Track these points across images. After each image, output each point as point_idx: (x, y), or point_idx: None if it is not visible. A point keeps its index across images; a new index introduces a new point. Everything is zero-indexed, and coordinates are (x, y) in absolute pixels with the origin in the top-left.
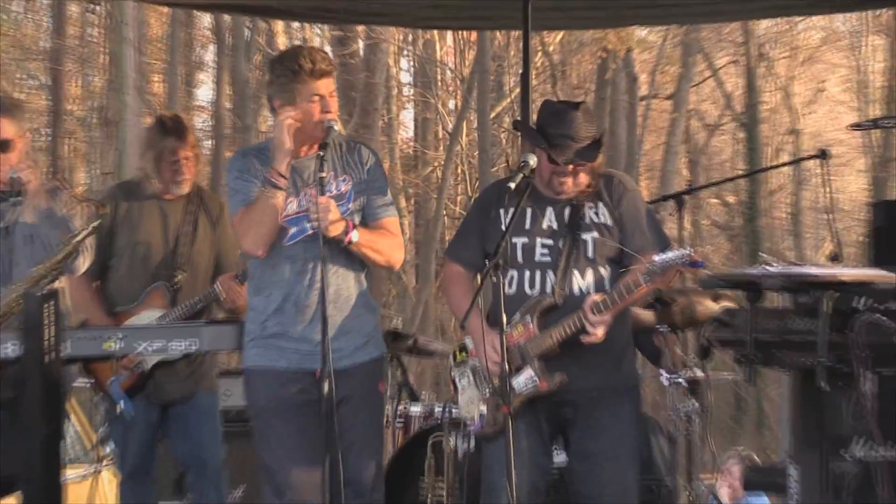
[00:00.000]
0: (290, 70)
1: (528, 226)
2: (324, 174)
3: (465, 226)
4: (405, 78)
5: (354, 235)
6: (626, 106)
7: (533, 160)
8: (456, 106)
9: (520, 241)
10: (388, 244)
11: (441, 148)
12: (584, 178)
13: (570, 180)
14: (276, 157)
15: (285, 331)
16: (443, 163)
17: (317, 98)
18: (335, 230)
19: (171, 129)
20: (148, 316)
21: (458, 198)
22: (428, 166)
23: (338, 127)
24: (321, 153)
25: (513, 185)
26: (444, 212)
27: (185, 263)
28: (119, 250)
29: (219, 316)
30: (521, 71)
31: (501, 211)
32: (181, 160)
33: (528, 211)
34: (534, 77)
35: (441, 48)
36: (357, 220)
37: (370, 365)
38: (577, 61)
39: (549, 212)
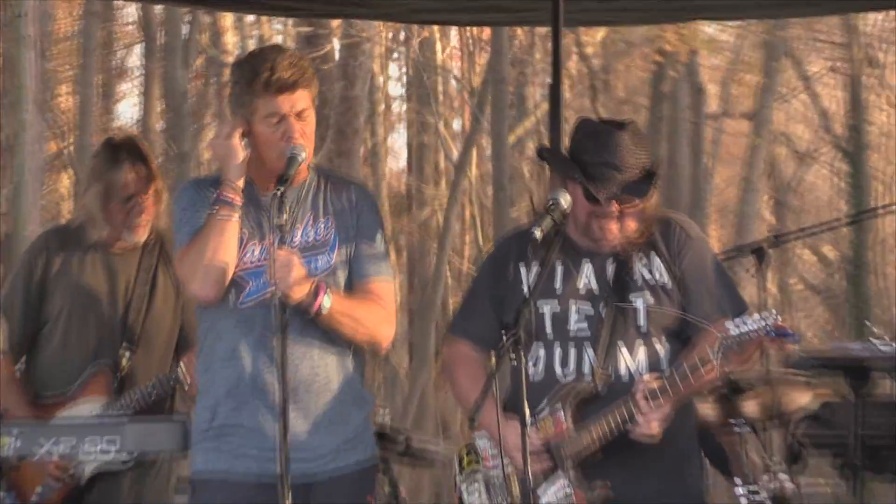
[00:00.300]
0: (243, 80)
1: (559, 286)
2: (282, 219)
3: (474, 289)
4: (395, 90)
5: (325, 302)
6: (690, 127)
7: (566, 199)
8: (463, 127)
9: (548, 306)
10: (374, 315)
11: (443, 183)
12: (632, 223)
13: (613, 225)
14: (227, 169)
15: (240, 422)
16: (445, 204)
17: (276, 118)
18: (298, 293)
19: (123, 154)
20: (88, 407)
21: (466, 250)
22: (425, 208)
23: (305, 155)
24: (279, 190)
25: (539, 233)
26: (447, 269)
27: (137, 337)
28: (51, 318)
29: (185, 409)
30: (549, 80)
31: (523, 267)
32: (137, 197)
33: (560, 267)
34: (567, 89)
35: (443, 50)
36: (342, 278)
37: (356, 473)
38: (625, 67)
39: (587, 268)
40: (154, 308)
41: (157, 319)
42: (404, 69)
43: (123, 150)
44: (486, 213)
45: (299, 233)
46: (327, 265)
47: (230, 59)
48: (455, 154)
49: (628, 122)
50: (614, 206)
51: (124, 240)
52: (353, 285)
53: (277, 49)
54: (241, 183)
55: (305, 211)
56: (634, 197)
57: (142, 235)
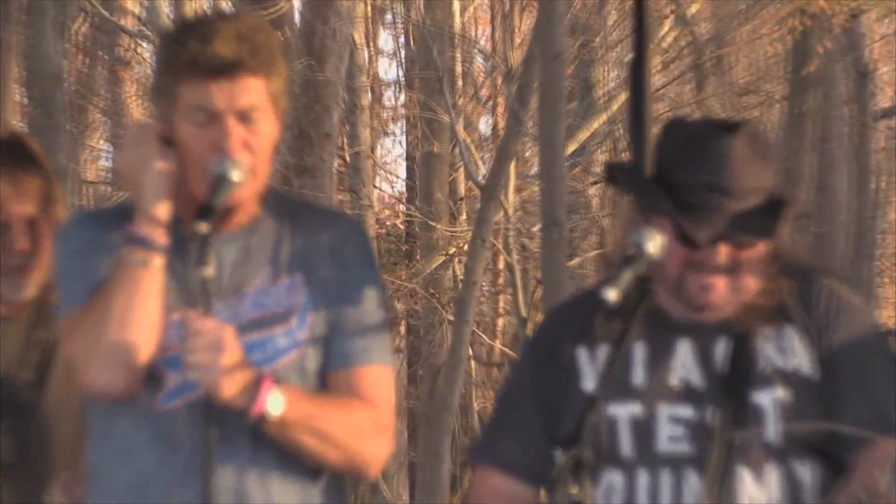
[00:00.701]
0: (165, 56)
1: (640, 379)
2: (207, 270)
3: (510, 391)
4: (388, 71)
5: (272, 404)
6: (851, 129)
7: (656, 242)
8: (495, 130)
9: (625, 411)
10: (355, 423)
11: (463, 217)
12: (750, 278)
13: (721, 281)
14: (141, 191)
15: None
16: (465, 247)
17: (202, 115)
18: (228, 389)
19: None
20: None
21: (500, 323)
22: (434, 255)
23: (240, 176)
24: (201, 227)
25: (615, 295)
26: (469, 352)
27: (18, 447)
28: None
29: None
30: (630, 57)
31: (583, 351)
32: (16, 226)
33: (642, 349)
34: (657, 70)
35: (463, 10)
36: (312, 364)
37: None
38: (749, 38)
39: (685, 350)
40: (47, 403)
41: (54, 419)
42: (402, 39)
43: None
44: (530, 263)
45: (248, 300)
46: (291, 346)
47: (131, 24)
48: (482, 171)
49: (744, 124)
50: (722, 252)
51: (3, 300)
52: (330, 377)
53: (225, 16)
54: (162, 212)
55: (258, 266)
56: (753, 237)
57: (29, 287)
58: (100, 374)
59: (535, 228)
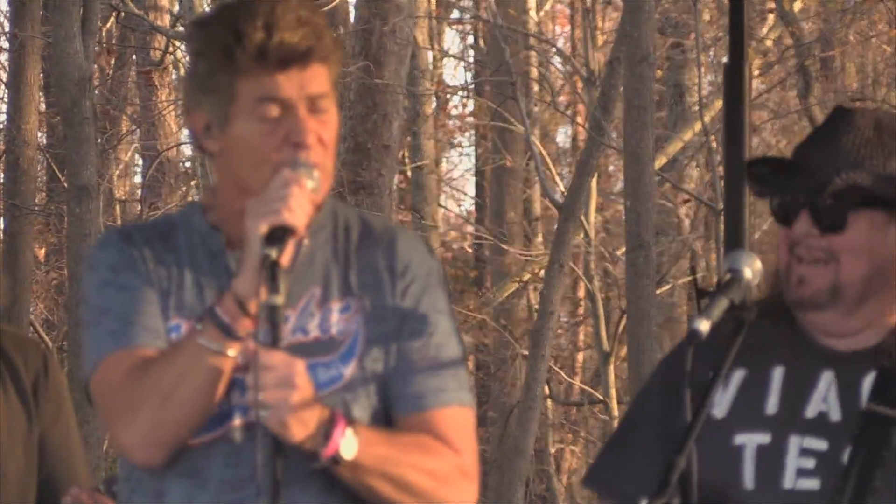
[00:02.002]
0: (214, 47)
1: (775, 409)
2: (277, 298)
3: (634, 414)
4: (456, 75)
5: (347, 445)
6: None
7: (753, 267)
8: (575, 142)
9: (755, 440)
10: (438, 470)
11: (539, 240)
12: (853, 271)
13: (817, 272)
14: (246, 274)
15: None
16: (541, 272)
17: (274, 110)
18: (299, 431)
19: None
20: None
21: (580, 358)
22: (507, 281)
23: (317, 180)
24: (273, 250)
25: (705, 326)
26: (547, 390)
27: None
28: None
29: None
30: (727, 60)
31: (734, 377)
32: None
33: (780, 376)
34: (757, 74)
35: (539, 7)
36: (365, 405)
37: None
38: (861, 37)
39: (827, 380)
40: None
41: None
42: (470, 39)
43: None
44: (614, 290)
45: (290, 322)
46: (331, 381)
47: (165, 21)
48: (561, 188)
49: (871, 111)
50: (803, 223)
51: None
52: (402, 422)
53: None
54: (255, 301)
55: (307, 283)
56: (829, 219)
57: None
58: (139, 449)
59: (620, 252)
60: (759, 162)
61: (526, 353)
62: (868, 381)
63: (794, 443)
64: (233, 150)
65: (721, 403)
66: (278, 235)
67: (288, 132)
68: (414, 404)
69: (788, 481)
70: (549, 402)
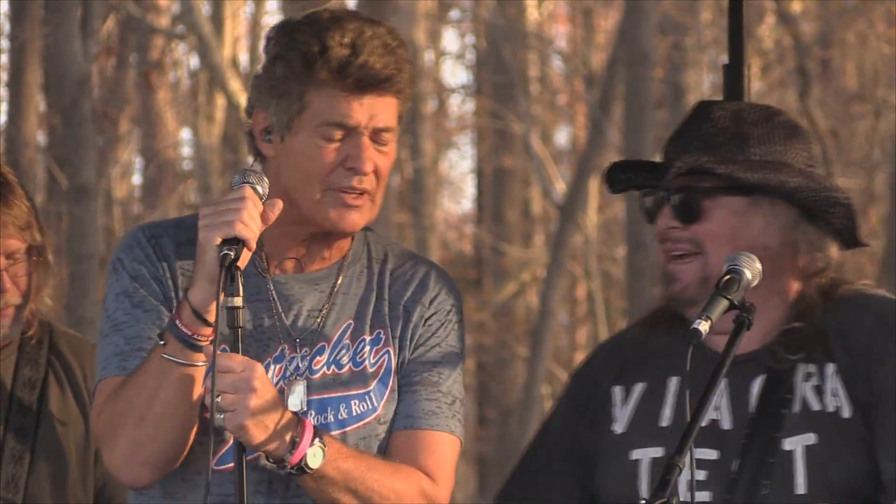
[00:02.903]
0: (296, 54)
1: (669, 420)
2: (237, 301)
3: (544, 433)
4: (455, 75)
5: (314, 456)
6: None
7: (753, 268)
8: (574, 142)
9: (646, 455)
10: (400, 491)
11: (538, 239)
12: (719, 259)
13: (685, 265)
14: (197, 275)
15: None
16: (542, 275)
17: (339, 131)
18: (258, 434)
19: None
20: None
21: (580, 357)
22: (507, 282)
23: (265, 185)
24: (229, 251)
25: (706, 327)
26: (546, 390)
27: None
28: None
29: None
30: (726, 60)
31: (619, 392)
32: (0, 269)
33: (675, 385)
34: (756, 74)
35: (539, 5)
36: (381, 433)
37: None
38: (860, 36)
39: (719, 386)
40: (38, 458)
41: (44, 478)
42: (470, 39)
43: None
44: (614, 290)
45: (325, 354)
46: (367, 413)
47: (164, 21)
48: (560, 189)
49: (766, 108)
50: (665, 216)
51: None
52: (391, 436)
53: (361, 18)
54: (211, 309)
55: (342, 315)
56: (683, 207)
57: (14, 329)
58: (125, 470)
59: (620, 252)
60: (617, 166)
61: (526, 353)
62: (757, 386)
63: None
64: (287, 161)
65: (621, 418)
66: (231, 248)
67: (347, 156)
68: (406, 422)
69: (681, 494)
70: (548, 402)
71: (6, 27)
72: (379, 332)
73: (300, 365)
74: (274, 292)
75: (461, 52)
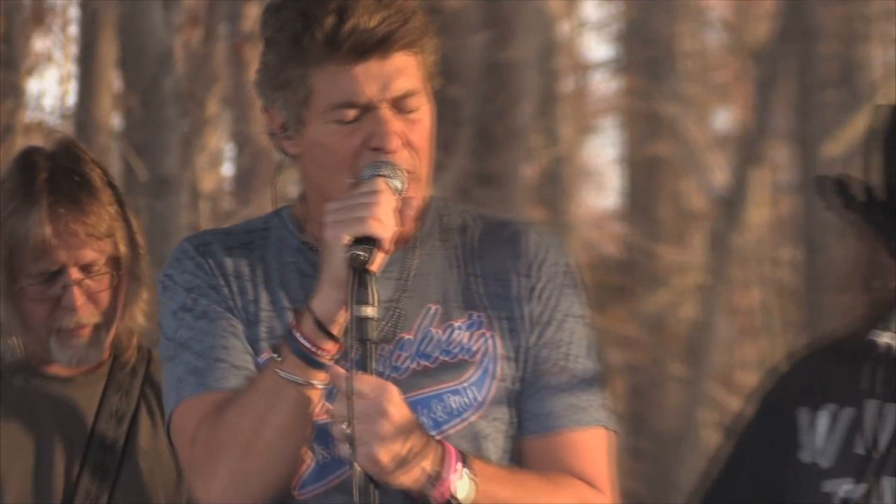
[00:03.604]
0: (285, 35)
1: (862, 447)
2: (369, 311)
3: (729, 458)
4: (596, 49)
5: (464, 487)
6: None
7: None
8: (738, 129)
9: (840, 487)
10: None
11: (696, 241)
12: None
13: None
14: (321, 280)
15: None
16: (700, 282)
17: (351, 109)
18: (393, 468)
19: (40, 183)
20: None
21: (748, 378)
22: (659, 289)
23: (402, 181)
24: (361, 256)
25: (887, 340)
26: (705, 414)
27: None
28: None
29: None
30: None
31: (805, 415)
32: (72, 283)
33: (872, 410)
34: None
35: None
36: (501, 432)
37: None
38: None
39: None
40: (117, 500)
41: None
42: (614, 6)
43: (42, 171)
44: (785, 299)
45: (408, 347)
46: (467, 407)
47: None
48: (721, 180)
49: None
50: None
51: (56, 360)
52: (527, 444)
53: None
54: (340, 319)
55: (422, 301)
56: None
57: (91, 351)
58: (224, 495)
59: (792, 254)
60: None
61: (683, 373)
62: None
63: (889, 485)
64: (310, 156)
65: (810, 446)
66: (363, 248)
67: (368, 135)
68: (545, 424)
69: None
70: (709, 430)
71: None
72: (475, 315)
73: (381, 367)
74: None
75: (603, 22)
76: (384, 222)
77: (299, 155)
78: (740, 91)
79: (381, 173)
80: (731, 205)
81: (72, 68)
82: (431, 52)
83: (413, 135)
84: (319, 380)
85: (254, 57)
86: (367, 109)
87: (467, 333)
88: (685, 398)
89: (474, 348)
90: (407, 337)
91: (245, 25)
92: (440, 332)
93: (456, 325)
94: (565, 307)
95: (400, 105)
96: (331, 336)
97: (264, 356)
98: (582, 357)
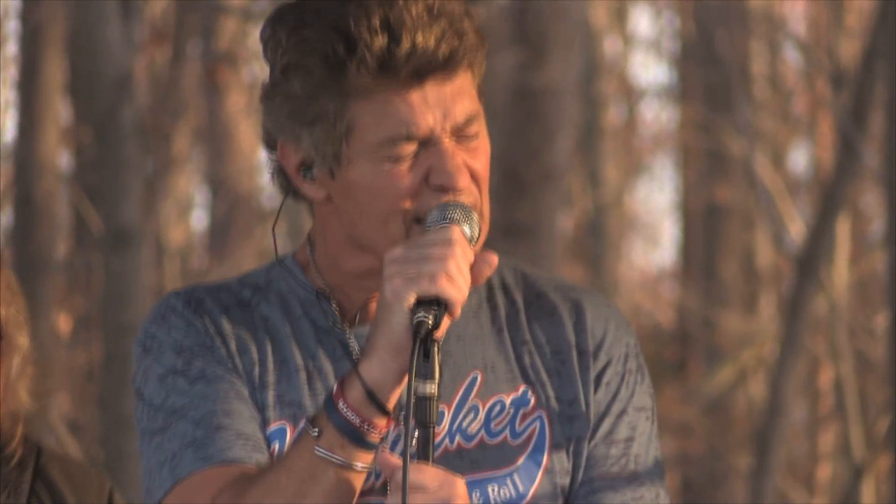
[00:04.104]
0: (319, 57)
1: None
2: (432, 388)
3: None
4: (647, 69)
5: None
6: None
7: None
8: (816, 164)
9: None
10: None
11: (763, 301)
12: None
13: None
14: (375, 344)
15: None
16: (777, 355)
17: (409, 147)
18: None
19: None
20: None
21: (823, 474)
22: (720, 366)
23: (476, 225)
24: (427, 319)
25: None
26: None
27: None
28: None
29: None
30: None
31: None
32: None
33: None
34: None
35: None
36: None
37: None
38: None
39: None
40: None
41: None
42: (670, 21)
43: None
44: (871, 376)
45: (445, 423)
46: (515, 502)
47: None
48: (797, 233)
49: None
50: None
51: None
52: None
53: None
54: (395, 390)
55: (464, 368)
56: None
57: None
58: None
59: (880, 322)
60: None
61: (748, 465)
62: None
63: None
64: (348, 198)
65: None
66: (431, 311)
67: (429, 171)
68: None
69: None
70: None
71: (15, 3)
72: (525, 391)
73: (411, 443)
74: (360, 351)
75: (657, 38)
76: (457, 281)
77: (323, 200)
78: (821, 124)
79: (453, 217)
80: (808, 262)
81: (10, 95)
82: (482, 65)
83: (477, 165)
84: (364, 462)
85: (231, 82)
86: (427, 142)
87: (516, 412)
88: (750, 495)
89: (523, 431)
90: (443, 408)
91: (220, 43)
92: (482, 405)
93: (504, 400)
94: (628, 397)
95: (461, 133)
96: (383, 410)
97: (274, 426)
98: (644, 455)
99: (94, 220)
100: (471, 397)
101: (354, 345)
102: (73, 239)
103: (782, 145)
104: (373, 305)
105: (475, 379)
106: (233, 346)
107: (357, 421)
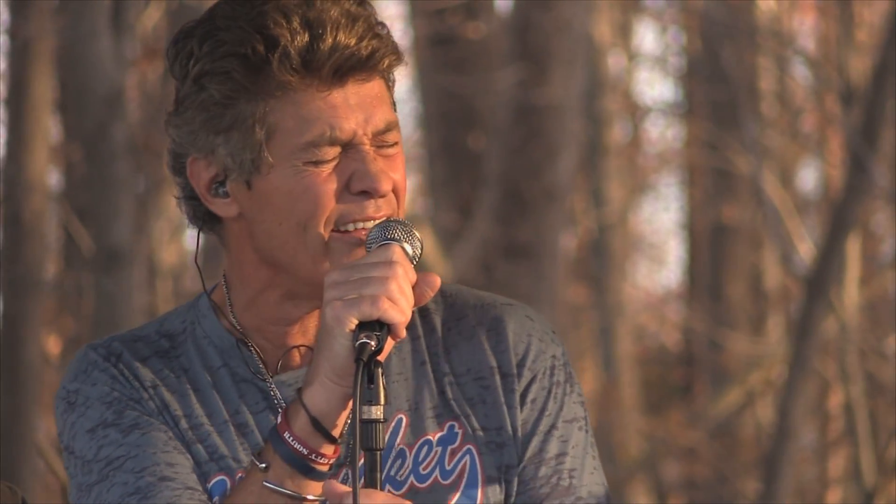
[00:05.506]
0: (236, 60)
1: None
2: (378, 412)
3: None
4: (651, 86)
5: None
6: None
7: None
8: (826, 185)
9: None
10: None
11: (771, 324)
12: None
13: None
14: (317, 370)
15: None
16: (777, 374)
17: (330, 153)
18: None
19: None
20: None
21: (833, 498)
22: (727, 389)
23: (414, 241)
24: (369, 343)
25: None
26: None
27: None
28: None
29: None
30: None
31: None
32: None
33: None
34: None
35: None
36: None
37: None
38: None
39: None
40: None
41: None
42: (675, 37)
43: None
44: (882, 399)
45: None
46: None
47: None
48: (805, 253)
49: None
50: None
51: None
52: None
53: None
54: (342, 416)
55: (392, 405)
56: None
57: None
58: None
59: (892, 345)
60: None
61: (756, 490)
62: None
63: None
64: (265, 208)
65: None
66: (373, 335)
67: (351, 176)
68: None
69: None
70: None
71: (3, 18)
72: (451, 426)
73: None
74: (283, 400)
75: (663, 54)
76: (399, 303)
77: (236, 217)
78: (831, 142)
79: (394, 236)
80: (817, 283)
81: None
82: (394, 81)
83: (397, 176)
84: (314, 493)
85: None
86: (348, 146)
87: (444, 451)
88: None
89: (453, 469)
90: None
91: None
92: (409, 450)
93: (430, 440)
94: (556, 411)
95: (381, 140)
96: (330, 438)
97: (215, 479)
98: (580, 471)
99: (85, 240)
100: (396, 442)
101: (277, 394)
102: (63, 259)
103: (791, 163)
104: (292, 354)
105: (400, 422)
106: (157, 401)
107: (304, 451)
